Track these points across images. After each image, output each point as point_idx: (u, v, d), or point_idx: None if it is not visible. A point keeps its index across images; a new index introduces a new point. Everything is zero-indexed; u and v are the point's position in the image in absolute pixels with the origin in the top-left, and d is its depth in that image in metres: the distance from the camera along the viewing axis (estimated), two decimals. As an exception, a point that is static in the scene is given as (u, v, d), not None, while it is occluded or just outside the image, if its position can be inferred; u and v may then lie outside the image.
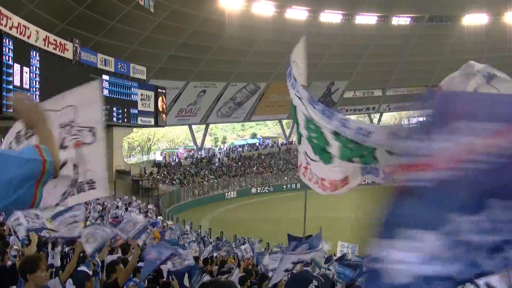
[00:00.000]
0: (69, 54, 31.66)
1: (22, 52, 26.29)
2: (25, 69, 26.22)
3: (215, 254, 17.31)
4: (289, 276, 5.56)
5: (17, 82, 25.42)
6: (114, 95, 37.15)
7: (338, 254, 16.82)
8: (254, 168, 55.61)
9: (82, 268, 6.40)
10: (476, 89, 3.86)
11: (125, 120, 38.72)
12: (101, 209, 26.17)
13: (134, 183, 43.11)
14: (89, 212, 22.54)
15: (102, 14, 35.62)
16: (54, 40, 30.11)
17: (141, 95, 40.72)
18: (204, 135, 63.03)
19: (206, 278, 8.78)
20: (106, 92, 35.96)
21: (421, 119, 1.64)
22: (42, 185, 1.93)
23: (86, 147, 4.34)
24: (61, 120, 4.23)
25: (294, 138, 71.46)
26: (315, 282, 3.07)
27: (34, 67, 27.10)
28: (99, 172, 4.55)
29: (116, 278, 5.68)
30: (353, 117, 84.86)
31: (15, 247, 8.93)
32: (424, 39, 57.67)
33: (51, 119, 3.32)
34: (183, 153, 60.54)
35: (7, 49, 24.61)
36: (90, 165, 4.43)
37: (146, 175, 45.12)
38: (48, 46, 29.22)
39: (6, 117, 26.07)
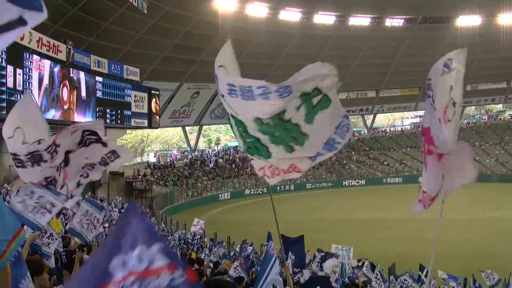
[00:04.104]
0: (62, 56, 31.50)
1: (15, 53, 26.13)
2: (18, 70, 26.06)
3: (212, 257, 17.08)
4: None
5: (10, 84, 25.27)
6: (107, 96, 37.00)
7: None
8: (248, 170, 55.58)
9: None
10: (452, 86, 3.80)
11: (119, 121, 38.56)
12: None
13: (128, 185, 42.99)
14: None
15: (96, 16, 35.52)
16: (48, 41, 29.93)
17: (135, 96, 40.59)
18: (198, 137, 63.02)
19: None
20: (99, 93, 35.83)
21: None
22: None
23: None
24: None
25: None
26: None
27: (27, 69, 26.95)
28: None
29: None
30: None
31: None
32: (418, 41, 57.94)
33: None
34: (177, 155, 60.43)
35: (-1, 51, 24.50)
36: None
37: (139, 176, 45.02)
38: (41, 48, 29.07)
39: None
